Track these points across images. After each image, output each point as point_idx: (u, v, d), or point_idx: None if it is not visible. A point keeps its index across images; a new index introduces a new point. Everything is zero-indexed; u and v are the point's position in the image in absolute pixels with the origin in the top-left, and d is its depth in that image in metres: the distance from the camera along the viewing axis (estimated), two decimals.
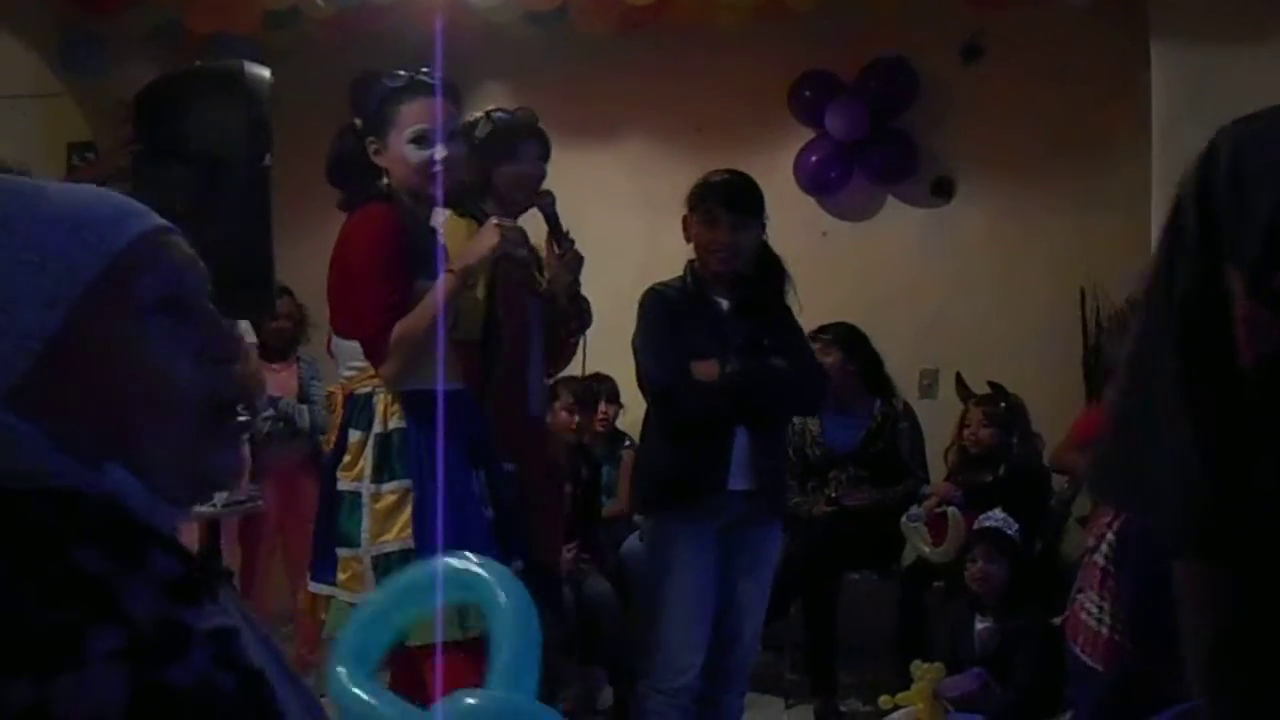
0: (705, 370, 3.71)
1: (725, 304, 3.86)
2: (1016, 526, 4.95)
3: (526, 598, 2.16)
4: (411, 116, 3.27)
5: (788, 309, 3.95)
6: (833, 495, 5.58)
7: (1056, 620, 4.63)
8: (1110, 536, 2.57)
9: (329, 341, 3.62)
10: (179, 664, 0.93)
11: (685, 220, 3.90)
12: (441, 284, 3.27)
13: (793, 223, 6.49)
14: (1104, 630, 2.57)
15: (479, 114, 3.88)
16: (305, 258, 5.07)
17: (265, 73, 4.05)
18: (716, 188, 3.84)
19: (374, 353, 3.25)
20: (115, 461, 1.04)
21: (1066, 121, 6.08)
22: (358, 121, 3.41)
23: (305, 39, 6.26)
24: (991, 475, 5.44)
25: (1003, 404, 5.57)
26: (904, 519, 5.44)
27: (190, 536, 4.34)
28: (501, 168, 3.82)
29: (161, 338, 1.08)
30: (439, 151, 3.27)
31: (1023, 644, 4.66)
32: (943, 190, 6.42)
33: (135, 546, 0.98)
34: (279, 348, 5.81)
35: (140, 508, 1.04)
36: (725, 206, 3.81)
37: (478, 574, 2.25)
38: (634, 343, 3.87)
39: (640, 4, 5.68)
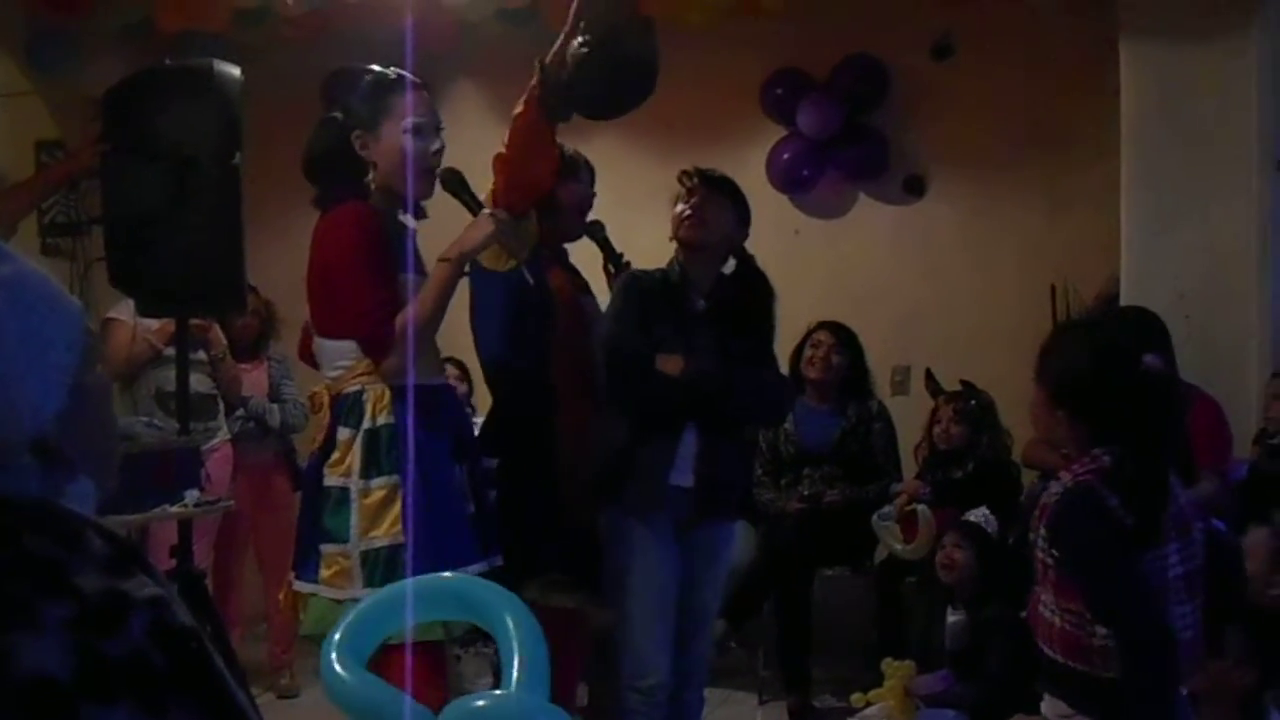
0: (670, 364, 3.73)
1: (701, 304, 3.88)
2: (997, 525, 4.97)
3: (530, 615, 2.25)
4: (409, 108, 3.30)
5: (766, 324, 3.98)
6: (806, 493, 5.59)
7: (1024, 614, 4.67)
8: (1044, 530, 2.66)
9: (302, 344, 3.59)
10: (117, 636, 1.05)
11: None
12: (439, 274, 3.29)
13: (765, 221, 6.42)
14: (1056, 621, 2.63)
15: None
16: (276, 256, 5.07)
17: (235, 71, 4.04)
18: (701, 168, 3.93)
19: (374, 349, 3.25)
20: (86, 475, 1.21)
21: (1037, 119, 6.10)
22: (339, 114, 3.40)
23: (276, 37, 6.23)
24: (961, 471, 5.46)
25: (973, 401, 5.59)
26: (875, 517, 5.45)
27: (166, 537, 4.33)
28: (566, 184, 3.93)
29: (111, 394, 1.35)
30: (436, 143, 3.34)
31: (993, 637, 4.68)
32: (914, 188, 6.44)
33: (74, 531, 1.11)
34: (247, 346, 5.79)
35: (88, 509, 1.20)
36: (703, 179, 3.87)
37: (482, 594, 2.39)
38: (604, 322, 3.91)
39: None
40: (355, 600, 3.19)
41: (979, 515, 4.98)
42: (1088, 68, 5.75)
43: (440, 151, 3.37)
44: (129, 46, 6.15)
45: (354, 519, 3.24)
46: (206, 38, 5.84)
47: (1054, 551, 2.65)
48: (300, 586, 3.34)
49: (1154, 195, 5.18)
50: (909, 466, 5.77)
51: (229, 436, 5.56)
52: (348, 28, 6.00)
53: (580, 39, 3.51)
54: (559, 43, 3.55)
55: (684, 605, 3.83)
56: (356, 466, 3.26)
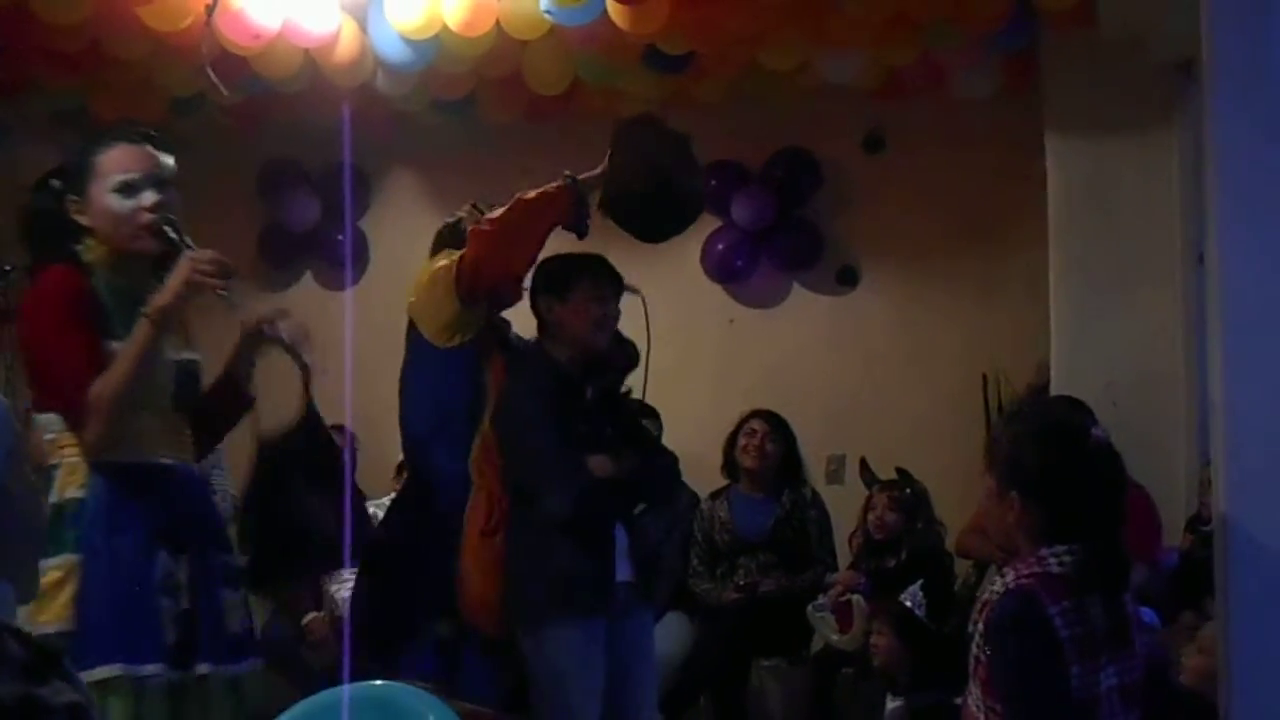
0: (601, 466, 3.68)
1: (590, 392, 3.82)
2: (924, 605, 4.97)
3: None
4: (113, 164, 3.00)
5: (626, 398, 3.97)
6: (741, 582, 5.56)
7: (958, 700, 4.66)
8: (981, 626, 2.62)
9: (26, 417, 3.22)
10: None
11: (549, 302, 3.82)
12: (137, 333, 2.93)
13: (700, 310, 6.55)
14: (981, 718, 2.59)
15: (465, 208, 3.92)
16: (209, 342, 5.02)
17: (169, 160, 4.01)
18: (598, 263, 3.87)
19: (73, 421, 2.94)
20: (6, 579, 1.24)
21: (967, 209, 6.21)
22: (55, 182, 3.11)
23: (212, 126, 6.22)
24: (894, 560, 5.47)
25: (908, 490, 5.61)
26: (810, 608, 5.43)
27: None
28: None
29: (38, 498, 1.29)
30: (150, 197, 3.00)
31: None
32: (848, 278, 6.52)
33: None
34: None
35: (8, 614, 1.21)
36: (611, 281, 3.85)
37: (408, 702, 2.34)
38: (514, 433, 3.74)
39: (547, 94, 5.74)
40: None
41: (909, 593, 4.97)
42: (1016, 159, 5.86)
43: (158, 206, 3.01)
44: (63, 134, 6.11)
45: None
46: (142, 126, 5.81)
47: (987, 649, 2.62)
48: None
49: (1082, 285, 5.27)
50: (844, 555, 5.77)
51: None
52: (284, 117, 6.02)
53: (622, 172, 3.67)
54: (601, 169, 3.69)
55: (618, 701, 3.75)
56: None
